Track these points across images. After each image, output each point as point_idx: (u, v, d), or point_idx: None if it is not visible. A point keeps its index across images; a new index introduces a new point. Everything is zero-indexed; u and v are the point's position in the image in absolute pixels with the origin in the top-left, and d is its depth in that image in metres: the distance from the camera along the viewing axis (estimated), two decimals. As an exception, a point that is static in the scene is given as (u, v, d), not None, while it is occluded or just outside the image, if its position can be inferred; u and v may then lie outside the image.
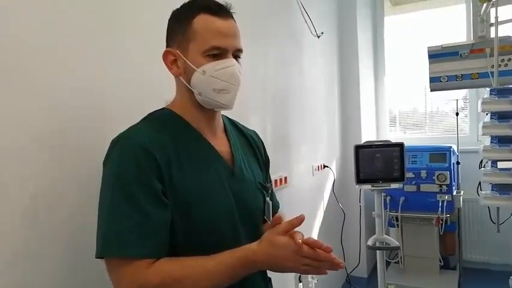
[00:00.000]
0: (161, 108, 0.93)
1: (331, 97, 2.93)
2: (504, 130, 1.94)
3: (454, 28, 3.26)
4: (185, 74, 0.87)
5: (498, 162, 1.95)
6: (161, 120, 0.89)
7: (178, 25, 0.88)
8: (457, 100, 2.89)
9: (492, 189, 1.96)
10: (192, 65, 0.85)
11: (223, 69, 0.85)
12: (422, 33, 3.36)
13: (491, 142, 1.96)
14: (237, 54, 0.89)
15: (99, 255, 0.76)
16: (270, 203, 1.00)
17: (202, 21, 0.85)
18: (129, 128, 0.86)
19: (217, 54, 0.85)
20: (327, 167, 2.73)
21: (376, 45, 3.55)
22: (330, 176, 2.81)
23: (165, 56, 0.89)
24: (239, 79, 0.88)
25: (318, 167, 2.61)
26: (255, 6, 1.84)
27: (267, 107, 1.95)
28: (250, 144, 1.06)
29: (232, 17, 0.89)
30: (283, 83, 2.13)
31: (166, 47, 0.91)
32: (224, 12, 0.87)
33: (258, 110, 1.84)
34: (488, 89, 2.07)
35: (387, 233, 2.42)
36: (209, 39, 0.84)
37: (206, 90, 0.86)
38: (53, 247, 0.88)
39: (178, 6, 0.91)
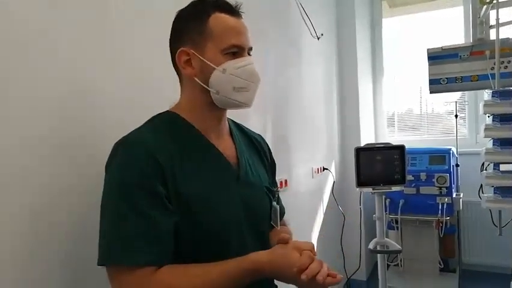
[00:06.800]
0: (166, 111, 0.90)
1: (330, 99, 2.92)
2: (506, 132, 1.93)
3: (451, 30, 3.26)
4: (203, 74, 0.85)
5: (500, 165, 1.94)
6: (166, 124, 0.86)
7: (193, 24, 0.86)
8: (456, 102, 2.89)
9: (494, 192, 1.94)
10: (211, 64, 0.83)
11: (244, 67, 0.85)
12: (418, 35, 3.36)
13: (493, 145, 1.95)
14: (249, 52, 0.89)
15: (100, 263, 0.73)
16: (278, 207, 0.97)
17: (219, 20, 0.85)
18: (132, 132, 0.83)
19: (236, 52, 0.85)
20: (327, 169, 2.71)
21: (374, 47, 3.54)
22: (330, 179, 2.78)
23: (179, 56, 0.86)
24: (259, 77, 0.88)
25: (318, 169, 2.58)
26: (254, 7, 1.81)
27: (266, 109, 1.92)
28: (255, 148, 1.04)
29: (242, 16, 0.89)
30: (283, 85, 2.11)
31: (174, 48, 0.87)
32: (236, 11, 0.87)
33: (257, 112, 1.81)
34: (489, 92, 2.06)
35: (387, 236, 2.40)
36: (229, 37, 0.84)
37: (225, 88, 0.84)
38: (53, 252, 0.85)
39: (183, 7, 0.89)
